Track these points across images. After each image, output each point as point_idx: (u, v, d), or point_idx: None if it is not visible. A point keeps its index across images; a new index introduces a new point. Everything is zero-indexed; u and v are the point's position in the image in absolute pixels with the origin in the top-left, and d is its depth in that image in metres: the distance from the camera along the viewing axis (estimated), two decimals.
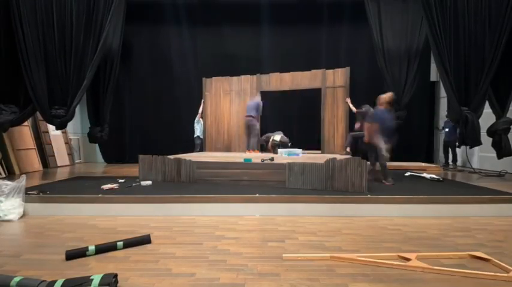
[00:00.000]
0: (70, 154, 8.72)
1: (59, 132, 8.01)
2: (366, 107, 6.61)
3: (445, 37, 5.43)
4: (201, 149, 8.25)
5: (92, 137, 6.69)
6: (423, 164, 7.64)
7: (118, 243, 2.75)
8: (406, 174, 6.26)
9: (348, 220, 3.71)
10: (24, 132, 7.24)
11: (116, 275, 2.08)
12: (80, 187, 4.65)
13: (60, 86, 5.44)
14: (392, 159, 8.00)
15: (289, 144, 7.22)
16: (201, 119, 8.34)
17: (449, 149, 7.97)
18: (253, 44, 8.80)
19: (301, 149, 6.10)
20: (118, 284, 2.09)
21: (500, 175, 6.23)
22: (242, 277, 2.23)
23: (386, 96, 5.02)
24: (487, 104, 5.63)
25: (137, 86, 9.13)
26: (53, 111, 5.40)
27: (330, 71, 7.52)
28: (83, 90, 5.52)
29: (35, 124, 7.78)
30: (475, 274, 2.25)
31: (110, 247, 2.71)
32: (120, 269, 2.33)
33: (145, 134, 9.08)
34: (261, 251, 2.72)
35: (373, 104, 6.91)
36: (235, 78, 8.20)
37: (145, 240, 2.88)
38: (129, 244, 2.80)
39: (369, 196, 3.98)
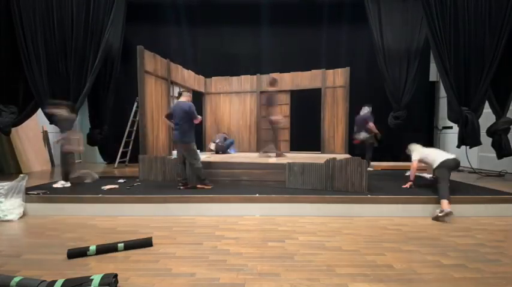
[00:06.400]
0: None
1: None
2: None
3: (445, 37, 5.43)
4: None
5: (90, 140, 6.70)
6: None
7: (119, 245, 2.74)
8: (406, 174, 6.24)
9: (348, 220, 3.71)
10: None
11: (116, 275, 2.08)
12: (80, 187, 4.65)
13: (62, 89, 5.44)
14: (392, 159, 8.10)
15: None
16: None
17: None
18: (253, 44, 8.79)
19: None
20: (118, 284, 2.09)
21: (500, 175, 6.22)
22: (242, 277, 2.23)
23: None
24: (487, 104, 5.63)
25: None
26: None
27: (330, 71, 7.51)
28: (86, 93, 5.53)
29: None
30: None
31: (111, 249, 2.71)
32: (120, 269, 2.33)
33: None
34: (261, 251, 2.72)
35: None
36: (235, 78, 8.19)
37: (147, 243, 2.85)
38: (130, 246, 2.78)
39: (369, 196, 3.98)
